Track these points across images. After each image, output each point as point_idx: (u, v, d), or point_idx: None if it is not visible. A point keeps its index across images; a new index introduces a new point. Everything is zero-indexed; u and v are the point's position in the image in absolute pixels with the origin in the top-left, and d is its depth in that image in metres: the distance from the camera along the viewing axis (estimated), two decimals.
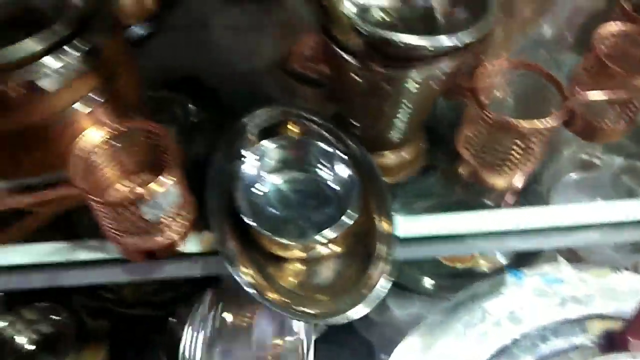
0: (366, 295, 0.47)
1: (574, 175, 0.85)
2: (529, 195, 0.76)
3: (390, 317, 0.72)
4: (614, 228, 0.57)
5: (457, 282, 0.68)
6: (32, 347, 0.90)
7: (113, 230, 0.46)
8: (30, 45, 0.41)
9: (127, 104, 0.52)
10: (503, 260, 0.76)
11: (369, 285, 0.47)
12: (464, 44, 0.43)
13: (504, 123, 0.50)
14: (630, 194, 0.82)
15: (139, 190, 0.43)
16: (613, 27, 0.56)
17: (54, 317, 0.88)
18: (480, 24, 0.45)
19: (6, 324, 0.88)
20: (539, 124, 0.50)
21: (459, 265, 0.75)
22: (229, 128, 0.54)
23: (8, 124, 0.42)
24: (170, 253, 0.49)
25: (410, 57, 0.44)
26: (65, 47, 0.42)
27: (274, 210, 0.53)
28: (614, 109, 0.58)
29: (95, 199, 0.43)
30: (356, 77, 0.46)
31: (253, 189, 0.52)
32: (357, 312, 0.46)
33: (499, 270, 0.73)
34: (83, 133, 0.44)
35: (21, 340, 0.89)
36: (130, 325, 0.88)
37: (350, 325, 0.68)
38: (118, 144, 0.47)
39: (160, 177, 0.43)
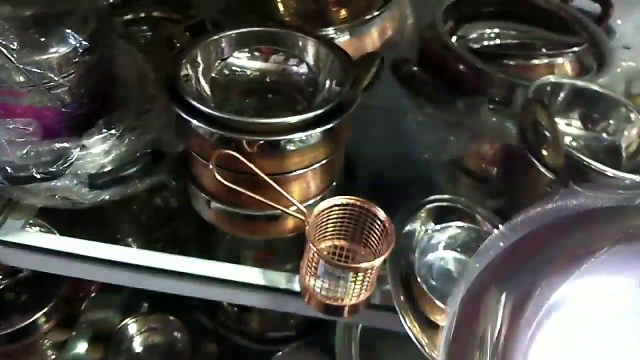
0: None
1: None
2: None
3: None
4: None
5: None
6: (142, 351, 0.97)
7: (313, 279, 0.55)
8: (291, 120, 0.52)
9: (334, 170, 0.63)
10: None
11: None
12: None
13: None
14: None
15: (364, 265, 0.52)
16: None
17: (172, 331, 0.97)
18: None
19: (130, 322, 0.96)
20: None
21: None
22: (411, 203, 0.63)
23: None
24: (352, 313, 0.57)
25: (605, 184, 0.52)
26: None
27: (436, 283, 0.61)
28: None
29: (320, 253, 0.52)
30: (547, 189, 0.54)
31: (425, 260, 0.61)
32: None
33: None
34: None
35: (136, 341, 0.98)
36: (237, 354, 0.95)
37: None
38: (345, 213, 0.58)
39: (380, 258, 0.52)
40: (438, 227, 0.62)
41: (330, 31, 0.69)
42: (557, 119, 0.62)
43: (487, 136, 0.64)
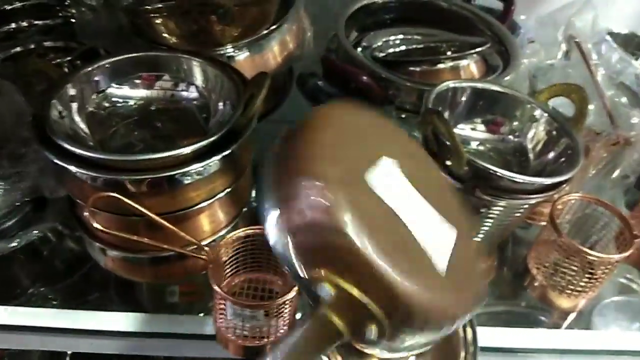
0: None
1: (614, 299, 0.89)
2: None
3: None
4: None
5: None
6: None
7: (224, 322, 0.51)
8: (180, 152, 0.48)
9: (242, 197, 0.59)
10: None
11: None
12: (558, 182, 0.50)
13: (580, 251, 0.56)
14: None
15: (272, 302, 0.49)
16: None
17: None
18: (572, 168, 0.52)
19: None
20: (613, 256, 0.55)
21: None
22: None
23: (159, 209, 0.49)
24: None
25: (511, 189, 0.51)
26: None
27: None
28: None
29: (225, 295, 0.48)
30: None
31: None
32: None
33: None
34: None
35: None
36: None
37: None
38: (254, 244, 0.54)
39: (292, 292, 0.49)
40: None
41: (228, 49, 0.65)
42: (461, 125, 0.61)
43: None
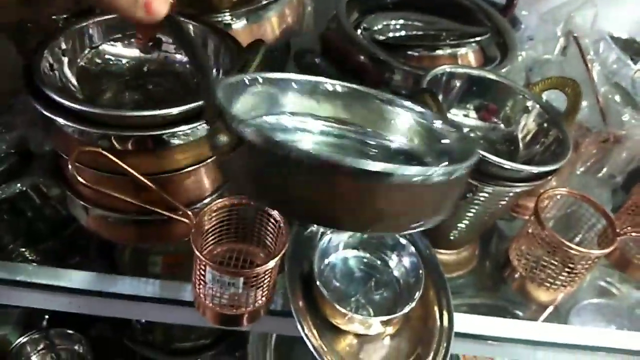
0: None
1: (593, 300, 0.89)
2: (550, 314, 0.81)
3: None
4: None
5: None
6: None
7: (203, 289, 0.51)
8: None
9: None
10: None
11: None
12: (545, 172, 0.51)
13: (561, 244, 0.56)
14: None
15: (256, 269, 0.48)
16: None
17: (73, 345, 0.89)
18: (559, 160, 0.52)
19: (29, 339, 0.89)
20: (593, 251, 0.56)
21: None
22: None
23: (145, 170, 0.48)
24: (251, 321, 0.53)
25: (498, 176, 0.51)
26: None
27: (339, 284, 0.57)
28: None
29: (205, 260, 0.48)
30: None
31: (327, 261, 0.57)
32: None
33: None
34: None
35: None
36: None
37: None
38: (238, 213, 0.54)
39: (272, 260, 0.48)
40: None
41: (226, 17, 0.65)
42: (454, 110, 0.61)
43: None
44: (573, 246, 0.56)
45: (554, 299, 0.62)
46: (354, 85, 0.51)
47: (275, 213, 0.53)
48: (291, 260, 0.56)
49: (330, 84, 0.50)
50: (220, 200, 0.53)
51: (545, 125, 0.58)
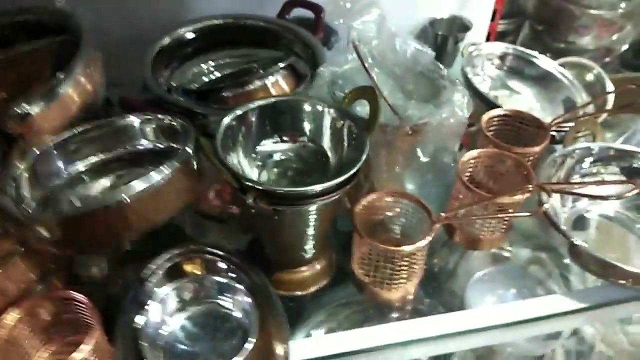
0: None
1: (486, 270, 0.91)
2: (445, 294, 0.82)
3: None
4: (526, 324, 0.63)
5: None
6: None
7: None
8: None
9: None
10: None
11: None
12: (337, 185, 0.53)
13: (386, 250, 0.57)
14: (539, 283, 0.88)
15: None
16: (472, 153, 0.66)
17: None
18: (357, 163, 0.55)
19: None
20: (412, 246, 0.57)
21: None
22: (133, 280, 0.59)
23: None
24: None
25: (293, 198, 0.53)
26: None
27: (184, 347, 0.57)
28: (487, 222, 0.67)
29: None
30: (253, 213, 0.55)
31: (161, 332, 0.57)
32: None
33: None
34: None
35: None
36: None
37: None
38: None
39: (82, 347, 0.48)
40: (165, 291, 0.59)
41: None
42: (264, 140, 0.64)
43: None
44: (374, 243, 0.57)
45: (402, 295, 0.63)
46: None
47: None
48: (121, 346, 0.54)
49: None
50: None
51: (346, 130, 0.61)
